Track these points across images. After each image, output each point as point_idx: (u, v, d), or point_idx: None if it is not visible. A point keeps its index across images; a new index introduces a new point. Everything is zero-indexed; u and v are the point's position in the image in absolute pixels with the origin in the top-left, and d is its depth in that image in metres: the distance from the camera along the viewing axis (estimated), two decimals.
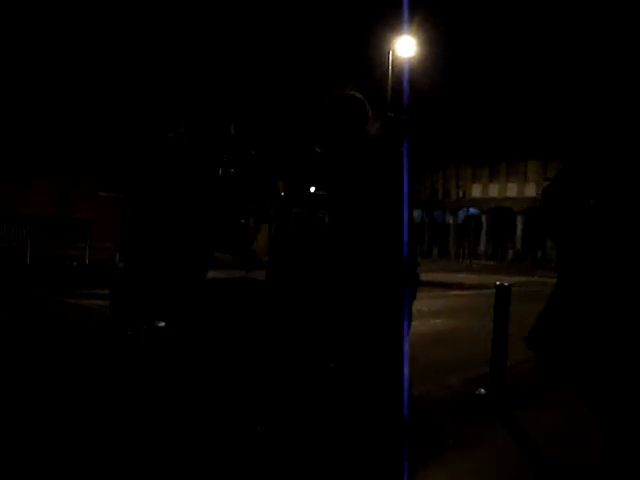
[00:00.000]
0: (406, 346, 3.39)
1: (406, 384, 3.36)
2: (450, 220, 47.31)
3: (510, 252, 44.39)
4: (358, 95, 3.53)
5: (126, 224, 3.78)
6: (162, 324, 2.96)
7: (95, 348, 6.92)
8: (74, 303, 10.89)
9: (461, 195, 47.19)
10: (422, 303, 12.31)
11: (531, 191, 45.55)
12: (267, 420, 4.28)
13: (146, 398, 3.46)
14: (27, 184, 30.26)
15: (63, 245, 27.01)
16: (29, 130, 28.22)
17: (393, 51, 23.43)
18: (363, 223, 3.44)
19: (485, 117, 41.02)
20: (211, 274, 4.40)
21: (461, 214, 45.84)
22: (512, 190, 46.41)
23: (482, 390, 5.53)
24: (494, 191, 47.43)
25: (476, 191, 48.17)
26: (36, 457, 3.71)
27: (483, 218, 46.13)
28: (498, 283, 5.73)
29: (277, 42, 29.45)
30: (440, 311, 11.37)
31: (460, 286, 18.17)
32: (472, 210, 45.61)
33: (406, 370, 3.37)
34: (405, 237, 3.31)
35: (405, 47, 23.34)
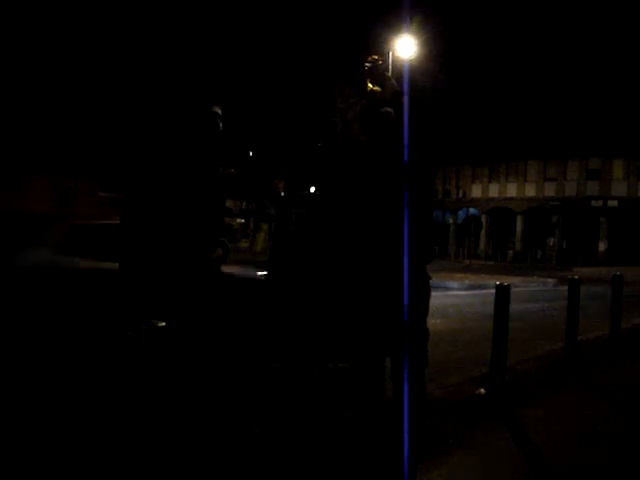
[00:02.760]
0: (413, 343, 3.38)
1: (406, 383, 3.36)
2: (450, 220, 47.28)
3: (510, 252, 44.36)
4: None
5: (121, 221, 3.73)
6: (162, 324, 2.96)
7: (95, 348, 6.91)
8: None
9: (461, 195, 47.14)
10: None
11: (531, 191, 45.54)
12: (266, 420, 4.28)
13: (145, 398, 3.46)
14: (27, 184, 30.23)
15: None
16: (29, 130, 28.20)
17: (393, 51, 23.45)
18: (359, 222, 3.44)
19: (484, 117, 41.00)
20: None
21: (461, 214, 45.75)
22: (512, 190, 46.37)
23: (482, 390, 5.54)
24: (494, 191, 47.38)
25: (476, 191, 48.11)
26: (36, 457, 3.71)
27: (483, 218, 46.07)
28: (498, 283, 5.73)
29: (276, 41, 29.44)
30: (440, 311, 11.37)
31: (460, 286, 18.19)
32: (472, 210, 45.52)
33: (406, 371, 3.37)
34: (406, 236, 3.31)
35: (405, 47, 23.34)
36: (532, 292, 17.76)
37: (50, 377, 4.62)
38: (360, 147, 3.58)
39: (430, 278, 3.56)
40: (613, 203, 41.56)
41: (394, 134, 3.40)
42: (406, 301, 3.31)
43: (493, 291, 5.73)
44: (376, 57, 3.53)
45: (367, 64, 3.51)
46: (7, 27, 26.30)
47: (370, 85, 3.50)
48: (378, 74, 3.49)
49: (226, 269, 3.90)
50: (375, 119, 3.44)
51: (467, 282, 19.26)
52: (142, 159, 3.76)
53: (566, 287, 7.77)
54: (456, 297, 15.34)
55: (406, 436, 3.27)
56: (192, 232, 3.58)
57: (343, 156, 3.64)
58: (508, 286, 5.69)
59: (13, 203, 28.53)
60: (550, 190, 44.69)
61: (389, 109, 3.42)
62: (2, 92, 26.44)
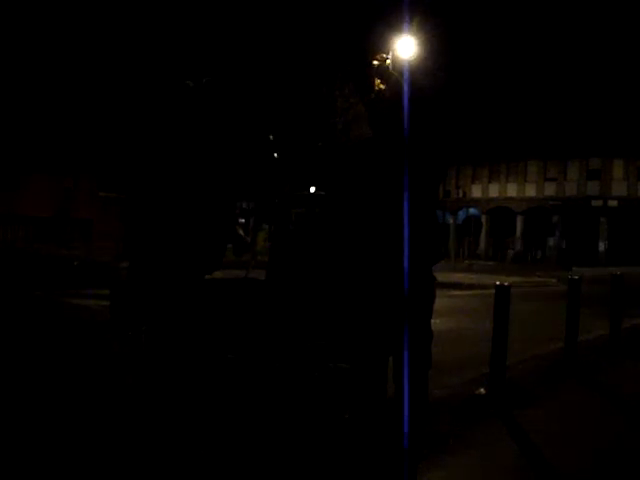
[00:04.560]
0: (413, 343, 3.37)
1: (406, 384, 3.35)
2: (450, 220, 47.28)
3: (510, 252, 44.35)
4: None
5: (128, 222, 3.69)
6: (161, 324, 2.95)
7: (95, 348, 6.92)
8: (74, 303, 10.89)
9: (461, 195, 47.11)
10: None
11: (531, 191, 45.54)
12: (266, 420, 4.28)
13: (146, 398, 3.46)
14: (27, 184, 30.24)
15: (63, 245, 26.99)
16: (29, 130, 28.18)
17: (393, 51, 23.45)
18: (363, 221, 3.43)
19: (484, 117, 40.99)
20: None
21: (461, 214, 45.77)
22: (512, 190, 46.37)
23: (482, 390, 5.53)
24: (494, 191, 47.37)
25: (476, 191, 48.10)
26: (36, 457, 3.71)
27: (483, 218, 46.06)
28: (498, 283, 5.73)
29: (276, 41, 29.41)
30: (440, 311, 11.32)
31: (460, 286, 18.18)
32: (472, 210, 45.53)
33: (406, 371, 3.36)
34: (406, 235, 3.29)
35: (405, 47, 23.35)
36: (532, 292, 17.77)
37: None
38: (367, 146, 3.56)
39: (435, 279, 3.54)
40: (613, 203, 41.55)
41: (402, 133, 3.38)
42: (410, 301, 3.29)
43: (493, 291, 5.73)
44: (384, 55, 3.52)
45: (375, 62, 3.49)
46: (7, 27, 26.28)
47: (378, 83, 3.49)
48: (385, 72, 3.48)
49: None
50: (383, 117, 3.43)
51: (467, 282, 19.26)
52: (138, 154, 3.70)
53: (566, 287, 7.77)
54: (456, 297, 15.33)
55: (406, 436, 3.26)
56: (203, 234, 3.53)
57: (350, 155, 3.62)
58: (508, 286, 5.69)
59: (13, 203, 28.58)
60: (550, 190, 44.69)
61: (397, 108, 3.40)
62: (1, 92, 26.41)
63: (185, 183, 3.53)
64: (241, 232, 3.73)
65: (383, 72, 3.48)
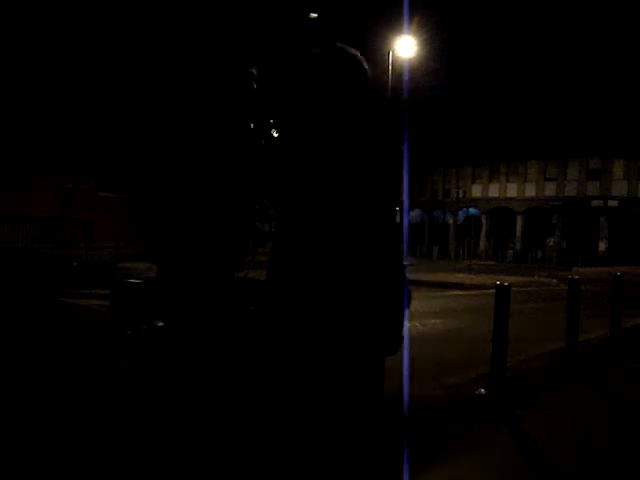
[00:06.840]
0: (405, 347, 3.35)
1: (406, 384, 3.35)
2: (450, 220, 47.28)
3: (510, 252, 44.39)
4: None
5: (147, 224, 3.57)
6: (162, 324, 2.94)
7: (95, 348, 6.92)
8: (74, 303, 10.89)
9: (461, 195, 47.14)
10: (422, 303, 12.29)
11: (531, 191, 45.57)
12: (267, 420, 4.28)
13: (146, 398, 3.45)
14: (27, 184, 30.26)
15: (63, 245, 27.00)
16: (29, 130, 28.20)
17: (393, 51, 23.46)
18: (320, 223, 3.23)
19: (485, 117, 41.01)
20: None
21: (461, 214, 45.82)
22: (512, 190, 46.41)
23: (482, 390, 5.53)
24: (494, 191, 47.41)
25: (476, 191, 48.13)
26: (36, 457, 3.71)
27: (483, 218, 46.08)
28: (498, 283, 5.73)
29: (274, 41, 29.43)
30: (440, 311, 11.35)
31: (460, 286, 18.18)
32: (472, 210, 45.56)
33: (406, 371, 3.35)
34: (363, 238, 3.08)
35: (405, 47, 23.37)
36: (532, 292, 17.76)
37: None
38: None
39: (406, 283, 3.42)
40: (613, 203, 41.58)
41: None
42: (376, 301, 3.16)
43: (493, 291, 5.73)
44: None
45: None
46: (9, 29, 26.28)
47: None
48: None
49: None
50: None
51: (467, 282, 19.25)
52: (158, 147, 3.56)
53: (566, 287, 7.76)
54: (457, 297, 15.33)
55: (406, 437, 3.26)
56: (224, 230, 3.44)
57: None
58: (508, 286, 5.69)
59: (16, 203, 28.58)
60: (550, 190, 44.73)
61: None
62: (4, 93, 26.41)
63: (204, 179, 3.43)
64: (258, 224, 3.66)
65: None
